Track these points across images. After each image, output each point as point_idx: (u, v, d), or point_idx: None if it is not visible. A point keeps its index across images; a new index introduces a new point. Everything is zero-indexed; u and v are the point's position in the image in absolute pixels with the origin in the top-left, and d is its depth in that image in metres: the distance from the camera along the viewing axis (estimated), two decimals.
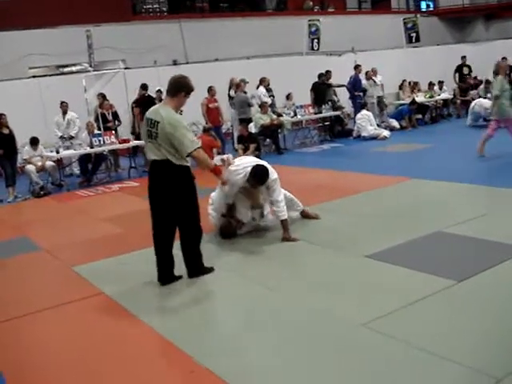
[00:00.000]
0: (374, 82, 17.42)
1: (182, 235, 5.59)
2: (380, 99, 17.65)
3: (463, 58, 19.59)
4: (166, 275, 5.60)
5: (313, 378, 3.70)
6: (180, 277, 5.64)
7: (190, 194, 5.46)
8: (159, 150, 5.28)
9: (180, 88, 5.38)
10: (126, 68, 17.70)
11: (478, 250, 5.76)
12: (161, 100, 10.44)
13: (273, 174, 6.62)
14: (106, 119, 13.98)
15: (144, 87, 14.13)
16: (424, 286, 4.93)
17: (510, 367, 3.54)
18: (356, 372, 3.71)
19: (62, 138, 13.39)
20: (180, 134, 5.20)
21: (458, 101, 18.01)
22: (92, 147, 12.43)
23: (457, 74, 19.42)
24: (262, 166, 6.63)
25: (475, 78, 19.64)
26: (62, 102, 13.44)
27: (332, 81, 16.64)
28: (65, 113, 13.58)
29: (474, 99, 17.52)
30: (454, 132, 15.01)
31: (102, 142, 12.49)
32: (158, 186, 5.44)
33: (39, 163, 12.04)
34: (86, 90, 14.72)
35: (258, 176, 6.50)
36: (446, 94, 18.58)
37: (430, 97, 18.01)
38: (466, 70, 19.46)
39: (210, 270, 5.75)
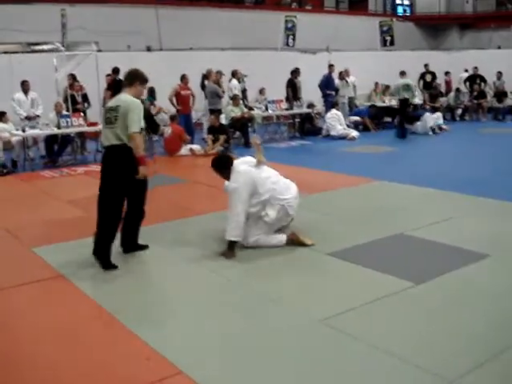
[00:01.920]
0: (347, 82, 17.52)
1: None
2: (351, 100, 17.76)
3: (426, 65, 20.00)
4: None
5: (261, 364, 3.73)
6: (146, 246, 6.24)
7: (121, 171, 5.67)
8: (115, 134, 5.66)
9: (134, 78, 5.92)
10: (98, 50, 17.50)
11: (437, 254, 5.84)
12: None
13: (235, 180, 5.97)
14: (75, 101, 13.81)
15: (115, 71, 13.99)
16: (382, 286, 4.99)
17: (462, 369, 3.61)
18: (305, 364, 3.74)
19: (27, 118, 12.86)
20: (133, 113, 5.58)
21: (428, 107, 18.20)
22: (59, 128, 12.26)
23: (421, 82, 19.80)
24: (223, 156, 6.71)
25: (441, 93, 20.02)
26: (24, 81, 12.98)
27: (300, 79, 16.60)
28: (26, 92, 13.06)
29: (442, 106, 17.91)
30: (420, 137, 15.17)
31: (69, 124, 12.33)
32: (106, 167, 5.81)
33: (7, 139, 11.78)
34: (56, 69, 14.50)
35: (213, 160, 6.38)
36: (416, 100, 18.74)
37: None
38: (428, 78, 19.96)
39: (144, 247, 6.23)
